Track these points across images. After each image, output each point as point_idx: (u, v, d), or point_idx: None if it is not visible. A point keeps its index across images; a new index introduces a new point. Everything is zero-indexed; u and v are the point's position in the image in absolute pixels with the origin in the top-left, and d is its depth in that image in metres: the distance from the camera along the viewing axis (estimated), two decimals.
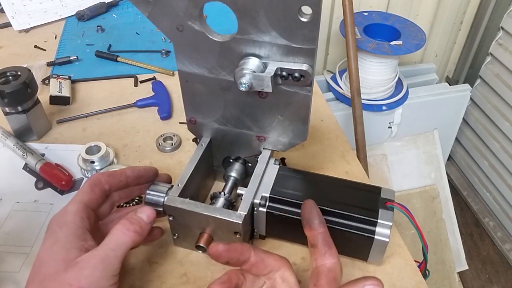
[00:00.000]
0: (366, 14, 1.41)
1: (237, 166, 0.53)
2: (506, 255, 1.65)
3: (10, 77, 0.61)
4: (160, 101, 0.70)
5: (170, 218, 0.45)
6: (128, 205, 0.52)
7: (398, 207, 0.44)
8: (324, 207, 0.44)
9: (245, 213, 0.43)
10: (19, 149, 0.60)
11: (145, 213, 0.42)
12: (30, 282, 0.38)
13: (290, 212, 0.45)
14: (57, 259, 0.38)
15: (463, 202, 1.82)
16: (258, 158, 0.50)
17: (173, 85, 0.75)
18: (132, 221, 0.41)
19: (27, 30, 0.94)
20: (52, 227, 0.40)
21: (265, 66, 0.42)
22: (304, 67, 0.41)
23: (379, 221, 0.43)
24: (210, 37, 0.42)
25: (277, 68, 0.41)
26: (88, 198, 0.42)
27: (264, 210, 0.46)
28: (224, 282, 0.37)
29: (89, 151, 0.59)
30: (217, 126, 0.50)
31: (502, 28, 1.55)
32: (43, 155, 0.61)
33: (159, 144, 0.63)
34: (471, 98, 1.67)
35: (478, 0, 1.60)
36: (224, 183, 0.52)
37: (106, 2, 1.00)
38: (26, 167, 0.59)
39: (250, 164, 0.53)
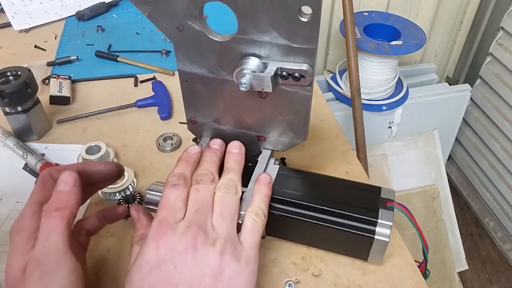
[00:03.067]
0: (366, 14, 1.41)
1: None
2: (506, 255, 1.65)
3: (10, 77, 0.61)
4: (160, 101, 0.70)
5: None
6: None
7: (398, 207, 0.44)
8: (324, 207, 0.45)
9: (245, 213, 0.43)
10: (19, 149, 0.60)
11: (62, 182, 0.39)
12: None
13: (290, 212, 0.45)
14: (16, 266, 0.36)
15: (463, 202, 1.82)
16: (258, 158, 0.50)
17: (173, 85, 0.75)
18: (50, 204, 0.38)
19: (27, 30, 0.94)
20: (12, 235, 0.38)
21: (265, 66, 0.42)
22: (304, 67, 0.41)
23: (379, 221, 0.43)
24: (210, 37, 0.42)
25: (277, 68, 0.41)
26: (42, 196, 0.40)
27: None
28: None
29: (89, 151, 0.59)
30: (217, 126, 0.50)
31: (502, 28, 1.55)
32: (43, 155, 0.61)
33: (159, 144, 0.63)
34: (471, 98, 1.67)
35: (478, 0, 1.60)
36: None
37: (106, 2, 1.00)
38: (26, 167, 0.59)
39: (250, 164, 0.53)
